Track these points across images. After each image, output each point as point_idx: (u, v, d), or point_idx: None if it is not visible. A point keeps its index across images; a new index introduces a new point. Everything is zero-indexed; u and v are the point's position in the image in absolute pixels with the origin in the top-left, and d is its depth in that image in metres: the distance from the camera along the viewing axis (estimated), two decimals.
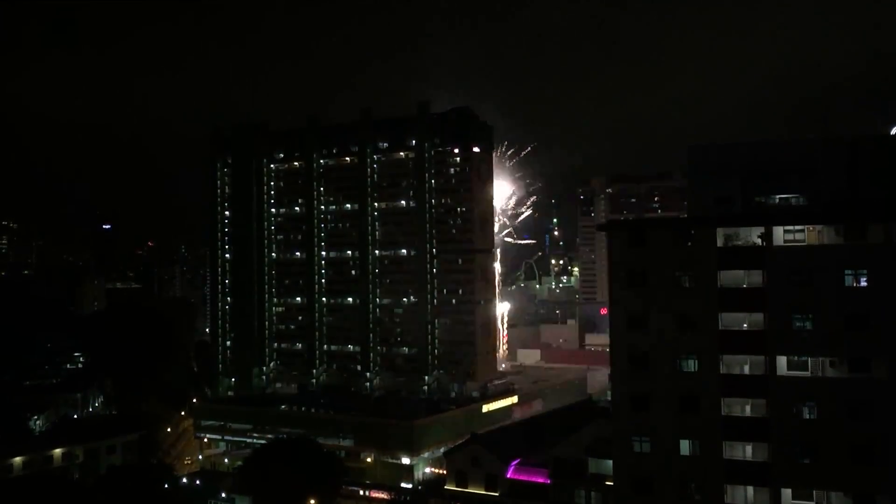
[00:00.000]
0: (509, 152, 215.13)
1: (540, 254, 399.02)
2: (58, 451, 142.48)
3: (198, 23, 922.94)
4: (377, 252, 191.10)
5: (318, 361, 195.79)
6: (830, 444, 67.91)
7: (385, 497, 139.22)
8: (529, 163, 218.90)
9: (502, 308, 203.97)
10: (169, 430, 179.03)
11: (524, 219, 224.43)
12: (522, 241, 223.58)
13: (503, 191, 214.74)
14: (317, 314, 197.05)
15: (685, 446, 72.68)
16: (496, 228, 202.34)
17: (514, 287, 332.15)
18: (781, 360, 70.14)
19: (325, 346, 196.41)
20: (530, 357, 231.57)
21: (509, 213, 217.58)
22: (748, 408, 72.00)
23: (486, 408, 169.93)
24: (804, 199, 77.19)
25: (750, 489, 70.96)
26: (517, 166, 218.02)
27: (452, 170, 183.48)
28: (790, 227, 70.60)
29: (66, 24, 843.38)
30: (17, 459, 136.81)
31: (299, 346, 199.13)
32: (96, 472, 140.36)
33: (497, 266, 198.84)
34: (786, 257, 70.16)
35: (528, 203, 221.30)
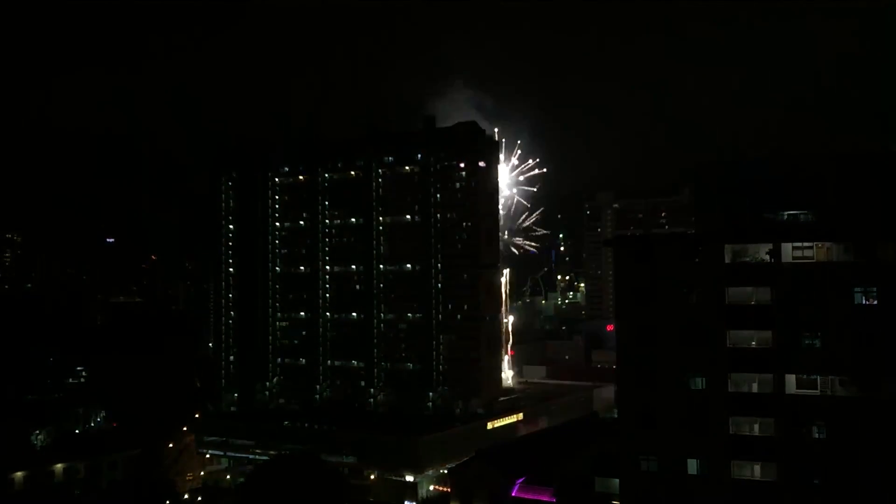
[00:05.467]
0: (517, 168, 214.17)
1: (546, 269, 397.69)
2: (59, 466, 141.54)
3: (203, 36, 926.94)
4: (382, 267, 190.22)
5: (321, 377, 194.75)
6: (840, 464, 66.92)
7: None
8: (536, 176, 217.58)
9: (508, 324, 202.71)
10: (171, 445, 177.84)
11: (530, 231, 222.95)
12: (534, 241, 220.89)
13: (509, 203, 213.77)
14: (321, 329, 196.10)
15: (693, 465, 71.87)
16: (504, 235, 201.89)
17: (519, 302, 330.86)
18: (790, 379, 69.41)
19: (329, 362, 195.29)
20: (536, 373, 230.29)
21: (519, 224, 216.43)
22: (756, 427, 71.16)
23: (491, 425, 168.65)
24: (813, 216, 76.50)
25: None
26: (525, 179, 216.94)
27: (458, 184, 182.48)
28: (799, 244, 69.92)
29: (69, 36, 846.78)
30: (19, 474, 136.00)
31: (303, 361, 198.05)
32: (98, 487, 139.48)
33: (504, 279, 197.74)
34: (794, 274, 69.45)
35: (535, 216, 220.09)
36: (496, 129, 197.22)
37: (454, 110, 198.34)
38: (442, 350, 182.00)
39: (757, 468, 70.52)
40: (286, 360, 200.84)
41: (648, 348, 73.41)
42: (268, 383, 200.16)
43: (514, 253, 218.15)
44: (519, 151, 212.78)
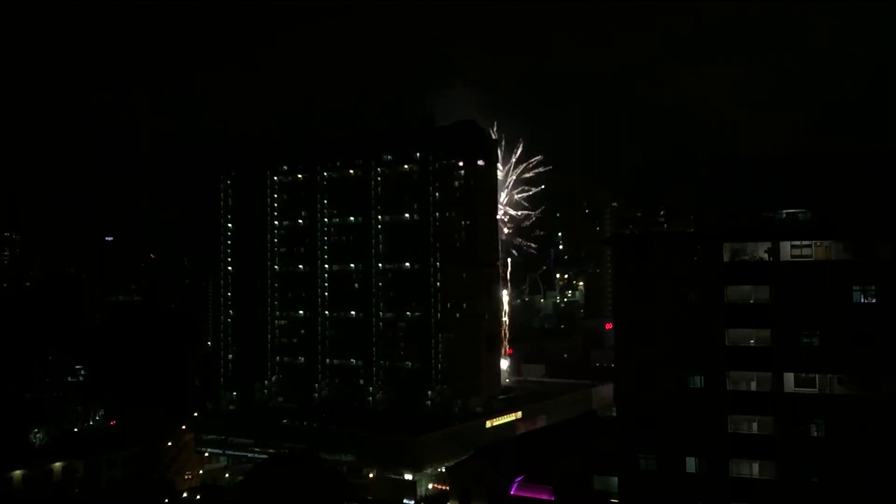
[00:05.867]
0: (519, 167, 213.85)
1: (545, 268, 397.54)
2: (58, 465, 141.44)
3: (201, 33, 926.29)
4: (380, 265, 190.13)
5: (320, 375, 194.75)
6: (839, 462, 66.95)
7: None
8: (536, 176, 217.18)
9: (507, 322, 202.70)
10: (170, 444, 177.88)
11: (529, 230, 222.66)
12: (534, 241, 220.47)
13: (508, 202, 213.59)
14: (319, 328, 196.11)
15: (691, 464, 71.94)
16: (503, 236, 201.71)
17: (518, 301, 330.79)
18: (788, 377, 69.47)
19: (328, 360, 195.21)
20: (534, 372, 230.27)
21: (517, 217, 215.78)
22: (755, 425, 71.24)
23: (489, 423, 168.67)
24: (811, 215, 76.48)
25: None
26: (524, 178, 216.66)
27: (457, 183, 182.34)
28: (797, 243, 69.97)
29: (68, 35, 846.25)
30: (17, 473, 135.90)
31: (302, 359, 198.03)
32: (97, 486, 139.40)
33: (503, 277, 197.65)
34: (793, 273, 69.47)
35: (534, 216, 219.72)
36: (495, 128, 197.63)
37: (453, 108, 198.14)
38: (441, 349, 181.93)
39: (756, 466, 70.60)
40: (285, 358, 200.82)
41: (647, 347, 73.48)
42: (267, 382, 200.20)
43: (514, 253, 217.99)
44: (519, 150, 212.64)
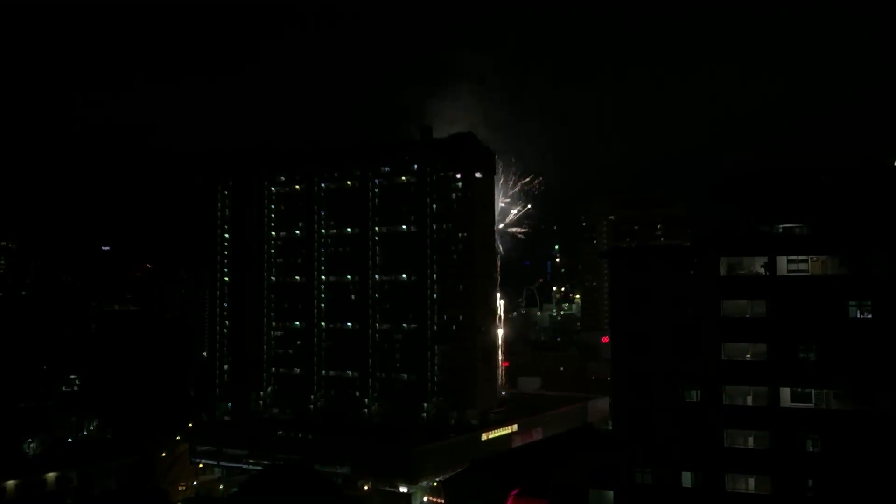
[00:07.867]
0: (517, 182, 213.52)
1: (541, 280, 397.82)
2: (51, 474, 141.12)
3: (197, 42, 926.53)
4: (377, 277, 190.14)
5: (315, 386, 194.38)
6: (835, 477, 66.84)
7: None
8: (533, 188, 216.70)
9: (503, 335, 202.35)
10: (164, 454, 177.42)
11: (523, 239, 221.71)
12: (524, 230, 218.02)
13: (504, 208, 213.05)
14: (315, 339, 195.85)
15: (687, 478, 71.72)
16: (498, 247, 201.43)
17: (515, 314, 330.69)
18: (785, 392, 69.35)
19: (324, 372, 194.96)
20: (531, 384, 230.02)
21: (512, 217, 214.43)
22: (751, 439, 71.11)
23: (485, 436, 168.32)
24: (808, 229, 76.57)
25: None
26: (520, 190, 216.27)
27: (454, 195, 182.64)
28: (794, 257, 69.95)
29: (69, 43, 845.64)
30: (10, 483, 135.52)
31: (297, 370, 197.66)
32: (90, 496, 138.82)
33: (499, 295, 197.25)
34: (789, 287, 69.45)
35: (528, 225, 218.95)
36: (496, 140, 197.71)
37: (452, 120, 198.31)
38: (437, 360, 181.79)
39: (752, 481, 70.43)
40: (280, 369, 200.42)
41: (643, 360, 73.38)
42: (262, 392, 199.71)
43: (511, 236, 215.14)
44: (514, 172, 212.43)
